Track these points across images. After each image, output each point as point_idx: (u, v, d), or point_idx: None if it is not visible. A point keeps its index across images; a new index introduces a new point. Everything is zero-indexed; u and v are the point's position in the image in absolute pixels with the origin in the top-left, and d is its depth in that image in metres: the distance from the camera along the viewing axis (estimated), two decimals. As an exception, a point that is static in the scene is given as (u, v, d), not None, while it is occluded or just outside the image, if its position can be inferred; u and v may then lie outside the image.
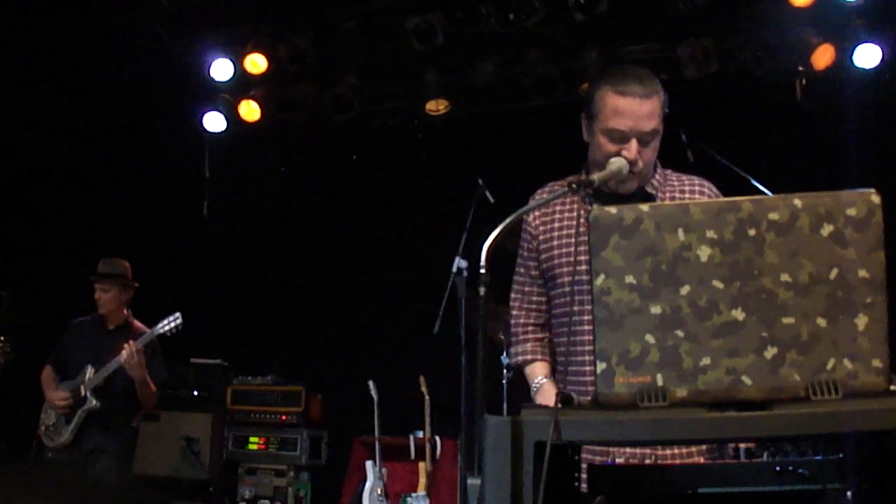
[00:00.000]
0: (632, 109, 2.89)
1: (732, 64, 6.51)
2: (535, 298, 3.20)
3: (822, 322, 1.78)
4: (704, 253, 1.80)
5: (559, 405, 1.80)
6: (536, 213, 3.17)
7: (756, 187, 4.72)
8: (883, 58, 6.08)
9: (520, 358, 3.22)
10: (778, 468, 2.02)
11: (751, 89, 6.54)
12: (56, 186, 7.43)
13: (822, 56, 6.22)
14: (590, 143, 3.02)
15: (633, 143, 2.89)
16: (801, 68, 6.33)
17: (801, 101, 6.37)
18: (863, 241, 1.80)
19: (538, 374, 3.15)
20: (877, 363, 1.77)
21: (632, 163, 2.88)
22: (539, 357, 3.18)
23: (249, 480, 7.18)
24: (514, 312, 3.25)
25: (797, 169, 6.24)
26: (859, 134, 5.92)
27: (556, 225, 3.11)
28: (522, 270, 3.24)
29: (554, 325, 3.16)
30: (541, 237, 3.13)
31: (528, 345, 3.20)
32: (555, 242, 3.09)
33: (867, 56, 6.09)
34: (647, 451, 2.77)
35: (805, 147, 6.31)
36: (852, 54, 6.12)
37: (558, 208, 3.14)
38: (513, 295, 3.27)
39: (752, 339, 1.78)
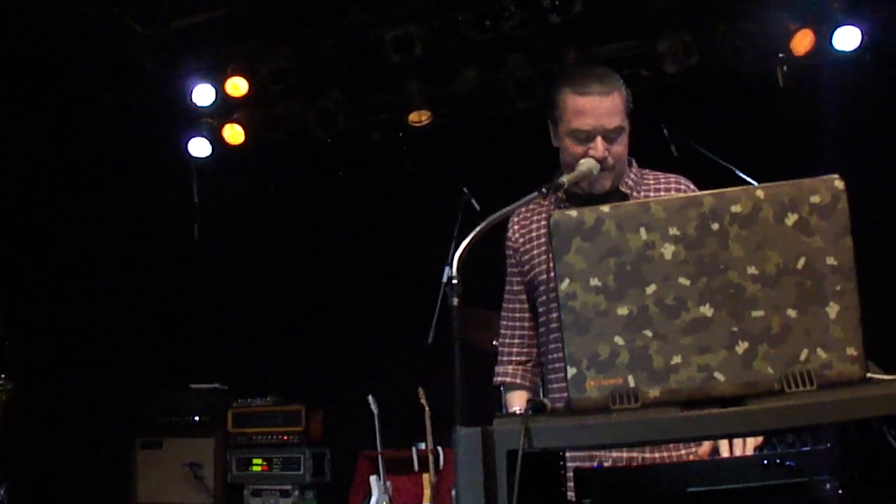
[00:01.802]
0: (593, 107, 2.90)
1: (712, 56, 6.50)
2: (518, 315, 3.19)
3: (792, 313, 1.75)
4: (668, 251, 1.78)
5: (530, 412, 1.79)
6: (516, 227, 3.17)
7: (742, 178, 4.70)
8: (862, 39, 6.07)
9: (499, 379, 3.23)
10: (765, 461, 2.00)
11: (733, 80, 6.53)
12: (46, 221, 7.41)
13: (802, 41, 6.21)
14: (559, 147, 3.01)
15: (599, 141, 2.90)
16: (781, 55, 6.31)
17: (783, 87, 6.35)
18: (829, 228, 1.77)
19: (514, 403, 3.16)
20: (851, 351, 1.74)
21: (601, 161, 2.87)
22: (518, 383, 3.19)
23: (255, 502, 7.18)
24: (502, 332, 3.25)
25: (783, 156, 6.23)
26: (842, 117, 5.91)
27: (535, 234, 3.11)
28: (508, 288, 3.24)
29: (539, 335, 3.13)
30: (521, 248, 3.13)
31: (510, 367, 3.20)
32: (535, 252, 3.09)
33: (847, 38, 6.08)
34: (646, 453, 2.75)
35: (790, 134, 6.30)
36: (832, 38, 6.10)
37: (535, 217, 3.14)
38: (502, 314, 3.26)
39: (722, 334, 1.76)
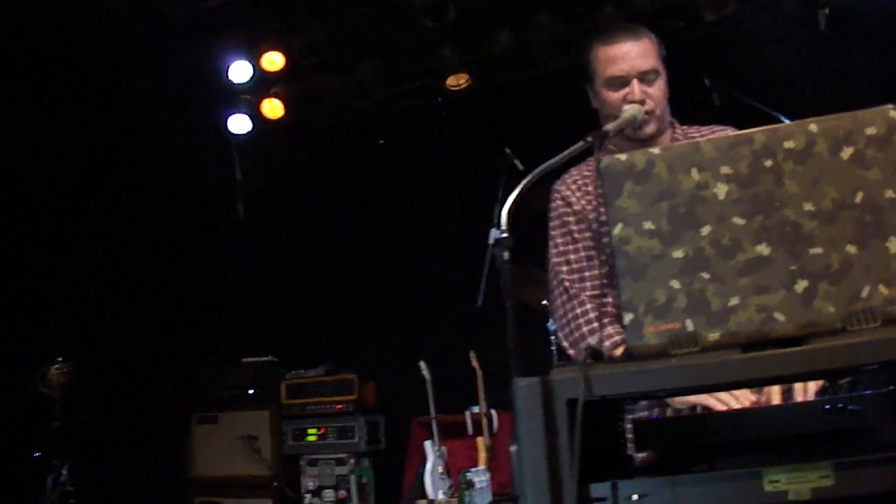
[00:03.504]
0: (624, 52, 2.94)
1: (751, 2, 6.40)
2: (597, 282, 3.00)
3: (851, 249, 1.71)
4: (721, 190, 1.75)
5: (589, 360, 1.77)
6: (578, 194, 3.11)
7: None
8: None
9: (607, 342, 2.91)
10: (828, 406, 1.96)
11: (773, 25, 6.42)
12: (95, 206, 7.48)
13: (843, -19, 6.11)
14: (599, 108, 3.00)
15: (635, 83, 2.91)
16: (821, -3, 6.21)
17: (824, 30, 6.24)
18: (886, 160, 1.72)
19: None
20: (914, 285, 1.71)
21: (640, 103, 2.85)
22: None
23: (311, 472, 7.22)
24: (580, 310, 3.01)
25: (827, 100, 6.12)
26: (885, 58, 5.80)
27: (595, 194, 3.06)
28: (574, 247, 3.08)
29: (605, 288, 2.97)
30: (590, 216, 3.06)
31: (610, 328, 2.92)
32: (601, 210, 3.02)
33: (888, -22, 5.97)
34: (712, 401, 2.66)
35: (832, 77, 6.19)
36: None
37: (590, 179, 3.10)
38: (568, 289, 3.04)
39: (780, 273, 1.71)
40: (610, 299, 2.93)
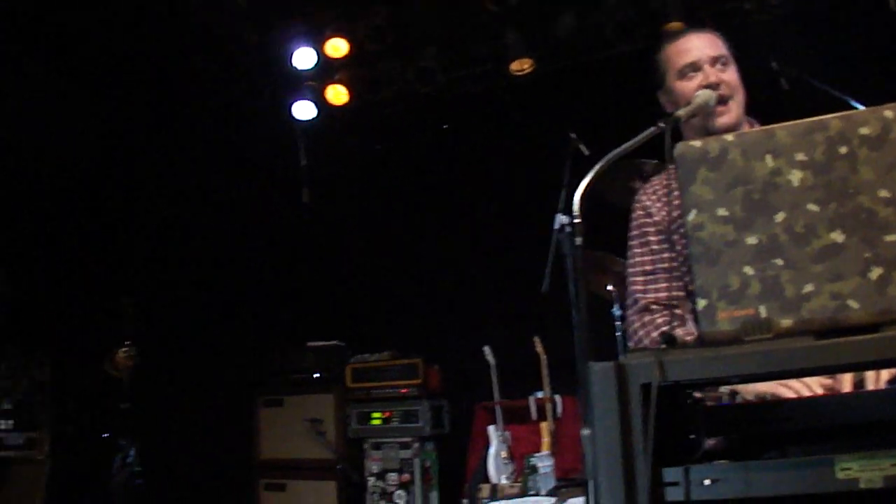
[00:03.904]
0: (692, 44, 2.98)
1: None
2: (670, 293, 2.99)
3: (927, 236, 1.70)
4: (796, 177, 1.75)
5: (663, 346, 1.78)
6: (658, 204, 3.08)
7: (856, 108, 4.57)
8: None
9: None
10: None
11: (841, 6, 6.32)
12: (163, 193, 7.60)
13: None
14: (673, 104, 3.00)
15: (708, 67, 2.93)
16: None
17: (894, 10, 6.13)
18: (962, 146, 1.71)
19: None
20: None
21: (714, 86, 2.86)
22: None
23: (375, 455, 7.27)
24: (648, 318, 3.02)
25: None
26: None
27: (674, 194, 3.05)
28: (648, 248, 3.07)
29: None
30: (671, 225, 3.03)
31: (680, 330, 2.90)
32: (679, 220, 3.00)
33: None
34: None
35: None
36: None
37: (665, 183, 3.09)
38: (651, 296, 3.04)
39: (854, 260, 1.71)
40: (680, 311, 2.95)
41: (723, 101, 2.90)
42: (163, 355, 6.99)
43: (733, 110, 2.96)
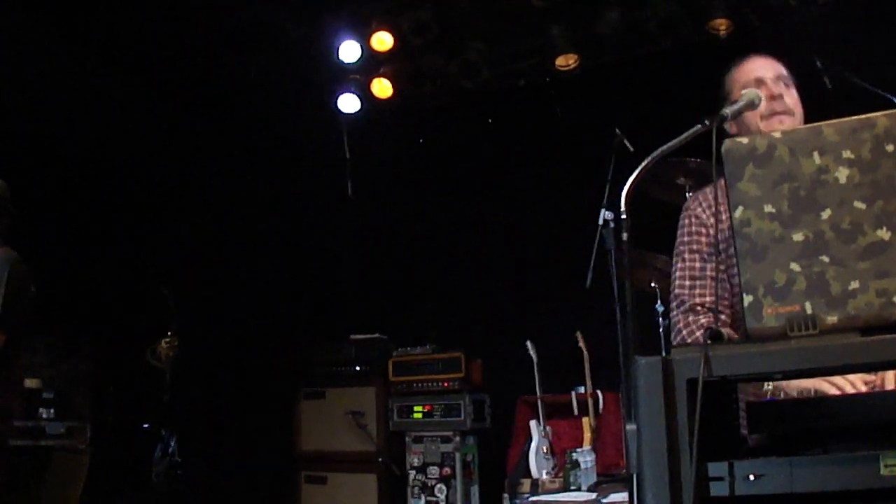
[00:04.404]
0: (757, 63, 3.10)
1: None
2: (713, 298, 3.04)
3: (972, 234, 1.71)
4: (843, 174, 1.76)
5: (709, 341, 1.79)
6: (708, 212, 3.11)
7: (902, 107, 4.53)
8: None
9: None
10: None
11: (883, 4, 6.26)
12: (207, 186, 7.66)
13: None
14: (738, 128, 3.06)
15: (770, 81, 3.01)
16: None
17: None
18: None
19: None
20: None
21: (774, 98, 2.95)
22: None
23: (416, 448, 7.29)
24: (692, 318, 3.06)
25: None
26: None
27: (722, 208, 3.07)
28: (699, 256, 3.11)
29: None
30: (719, 235, 3.06)
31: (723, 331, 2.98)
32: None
33: None
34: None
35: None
36: None
37: (714, 194, 3.12)
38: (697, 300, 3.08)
39: (901, 258, 1.72)
40: (723, 317, 2.98)
41: (781, 113, 2.97)
42: (205, 346, 7.06)
43: (787, 125, 2.98)
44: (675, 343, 3.06)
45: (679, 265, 3.13)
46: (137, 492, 6.49)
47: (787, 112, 2.98)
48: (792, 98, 3.03)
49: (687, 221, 3.16)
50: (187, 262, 7.41)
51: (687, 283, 3.08)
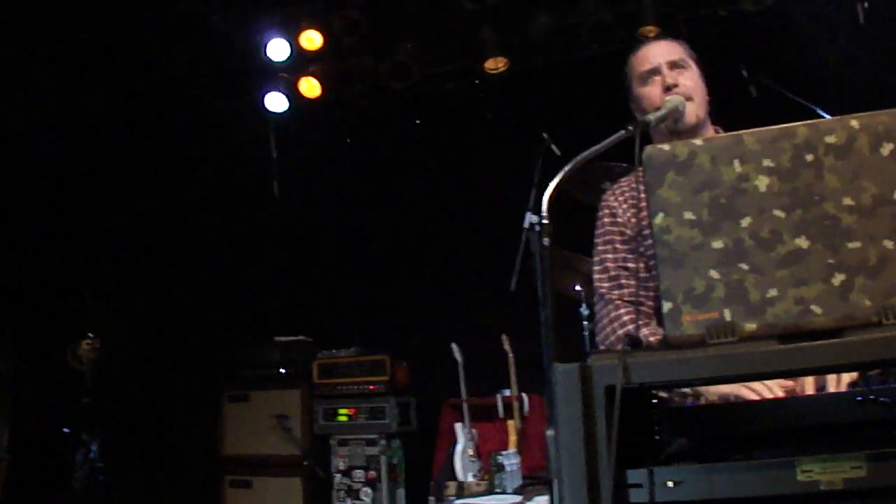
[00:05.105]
0: (653, 51, 3.13)
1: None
2: (633, 290, 3.05)
3: (889, 244, 1.72)
4: (763, 183, 1.77)
5: (627, 348, 1.79)
6: (625, 206, 3.14)
7: (823, 117, 4.62)
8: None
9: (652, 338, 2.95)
10: (859, 398, 1.98)
11: (811, 18, 6.38)
12: (128, 183, 7.54)
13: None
14: (638, 111, 3.12)
15: (665, 69, 3.05)
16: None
17: (863, 25, 6.19)
18: (926, 157, 1.74)
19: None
20: (950, 282, 1.72)
21: (672, 87, 2.99)
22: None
23: (342, 452, 7.24)
24: (614, 314, 3.06)
25: (864, 95, 6.07)
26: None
27: (641, 197, 3.09)
28: (616, 266, 3.12)
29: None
30: (635, 228, 3.09)
31: (645, 329, 2.96)
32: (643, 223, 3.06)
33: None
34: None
35: (870, 73, 6.14)
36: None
37: (633, 186, 3.15)
38: (614, 300, 3.08)
39: (818, 266, 1.74)
40: (645, 308, 3.01)
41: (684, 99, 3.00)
42: (127, 349, 6.93)
43: (696, 110, 3.03)
44: (599, 339, 3.10)
45: (595, 259, 3.17)
46: (58, 497, 6.36)
47: (689, 110, 3.00)
48: (691, 80, 3.07)
49: (601, 214, 3.21)
50: (108, 263, 7.28)
51: (604, 277, 3.12)
